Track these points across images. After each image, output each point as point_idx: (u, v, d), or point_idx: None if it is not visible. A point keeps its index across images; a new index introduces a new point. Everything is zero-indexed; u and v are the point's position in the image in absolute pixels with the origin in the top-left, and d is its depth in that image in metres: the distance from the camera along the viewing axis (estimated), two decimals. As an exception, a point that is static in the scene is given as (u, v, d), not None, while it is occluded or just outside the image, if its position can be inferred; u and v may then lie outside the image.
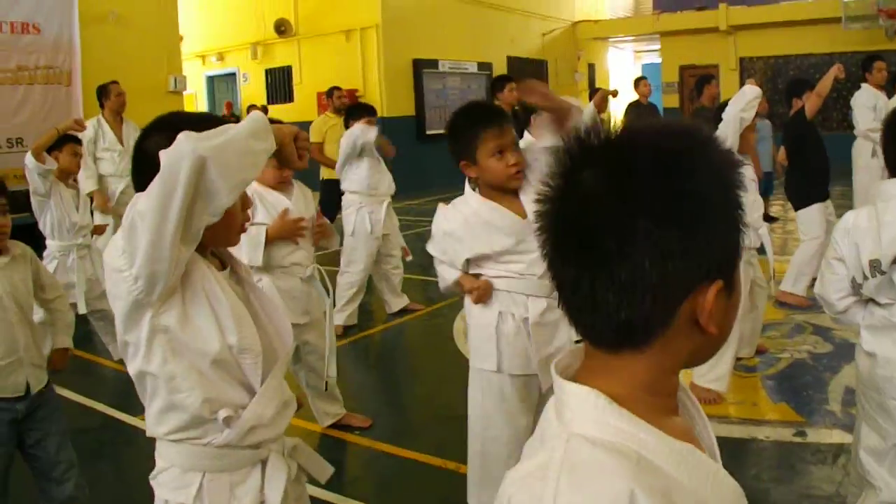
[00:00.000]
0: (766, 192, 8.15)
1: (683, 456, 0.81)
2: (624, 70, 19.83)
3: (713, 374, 3.97)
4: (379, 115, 13.00)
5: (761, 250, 4.28)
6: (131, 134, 6.49)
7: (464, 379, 2.83)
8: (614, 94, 6.82)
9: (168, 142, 1.39)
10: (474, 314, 2.74)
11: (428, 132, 14.13)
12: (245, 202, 1.68)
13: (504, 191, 2.62)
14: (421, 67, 14.19)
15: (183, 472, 1.60)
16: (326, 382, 3.68)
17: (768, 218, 9.20)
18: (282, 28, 14.39)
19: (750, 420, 3.81)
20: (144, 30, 9.84)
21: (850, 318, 2.33)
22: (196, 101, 16.46)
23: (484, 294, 2.66)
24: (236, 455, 1.61)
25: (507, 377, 2.70)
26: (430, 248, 2.78)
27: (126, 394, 3.77)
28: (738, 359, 4.52)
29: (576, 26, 18.88)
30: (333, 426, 3.92)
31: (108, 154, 6.52)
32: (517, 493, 0.80)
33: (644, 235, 0.78)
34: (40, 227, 4.69)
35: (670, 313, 0.81)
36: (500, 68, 15.82)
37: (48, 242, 4.73)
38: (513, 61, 16.17)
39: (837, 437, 3.53)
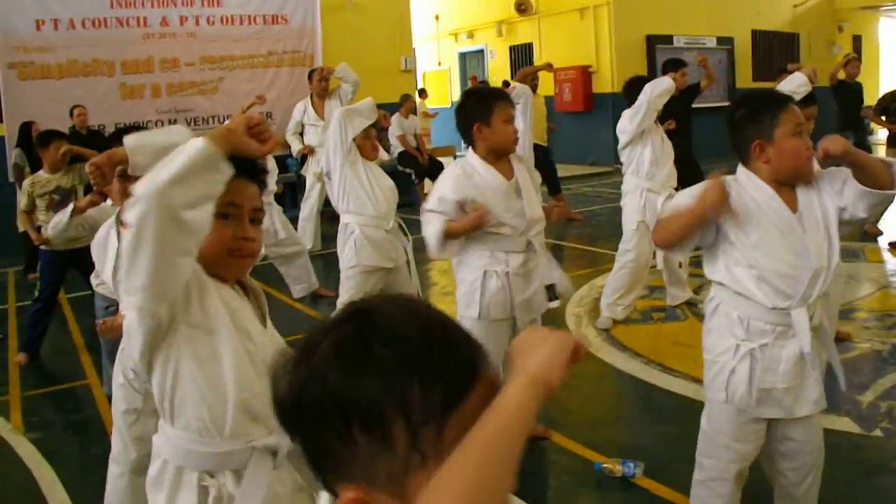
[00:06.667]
0: None
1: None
2: (896, 42, 18.03)
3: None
4: (610, 90, 13.52)
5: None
6: (332, 111, 7.71)
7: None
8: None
9: None
10: (461, 273, 3.39)
11: (660, 108, 14.19)
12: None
13: (499, 155, 3.23)
14: (654, 43, 14.25)
15: None
16: None
17: None
18: (522, 7, 15.19)
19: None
20: (378, 15, 11.13)
21: None
22: (449, 75, 17.86)
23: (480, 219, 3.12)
24: None
25: (487, 323, 3.32)
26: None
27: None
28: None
29: (834, -5, 17.47)
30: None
31: (312, 128, 7.83)
32: None
33: None
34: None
35: None
36: (743, 43, 15.34)
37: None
38: (758, 35, 15.54)
39: (841, 424, 3.60)
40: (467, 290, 3.33)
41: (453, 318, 0.81)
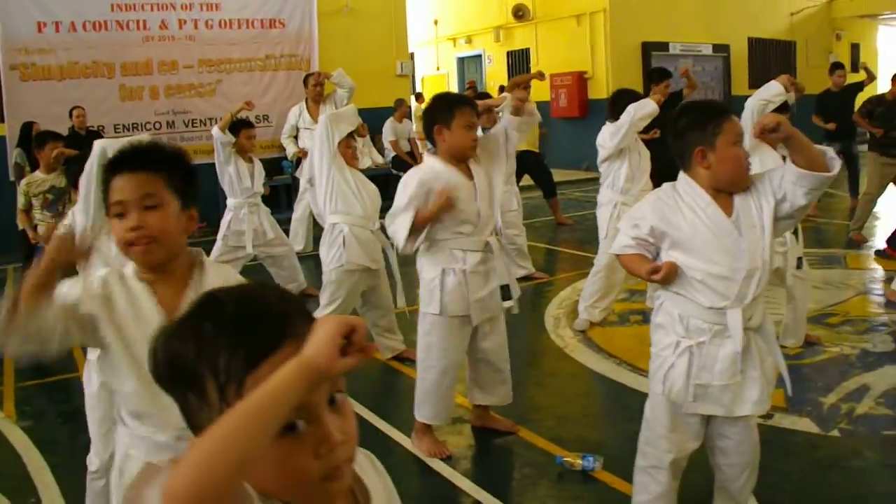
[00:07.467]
0: None
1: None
2: (896, 51, 18.10)
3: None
4: (605, 96, 13.63)
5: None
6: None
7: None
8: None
9: None
10: (422, 271, 3.56)
11: (655, 114, 14.34)
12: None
13: (459, 160, 3.41)
14: (650, 50, 14.37)
15: None
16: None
17: None
18: (520, 13, 15.36)
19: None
20: (374, 20, 11.27)
21: None
22: (448, 80, 18.02)
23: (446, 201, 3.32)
24: None
25: (447, 318, 3.50)
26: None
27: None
28: (783, 347, 4.76)
29: (831, 3, 17.43)
30: (394, 358, 4.88)
31: (307, 132, 8.00)
32: None
33: None
34: (222, 185, 6.09)
35: None
36: (739, 50, 15.46)
37: (228, 199, 6.14)
38: (754, 43, 15.67)
39: (802, 425, 3.72)
40: (427, 286, 3.52)
41: (281, 297, 0.98)
